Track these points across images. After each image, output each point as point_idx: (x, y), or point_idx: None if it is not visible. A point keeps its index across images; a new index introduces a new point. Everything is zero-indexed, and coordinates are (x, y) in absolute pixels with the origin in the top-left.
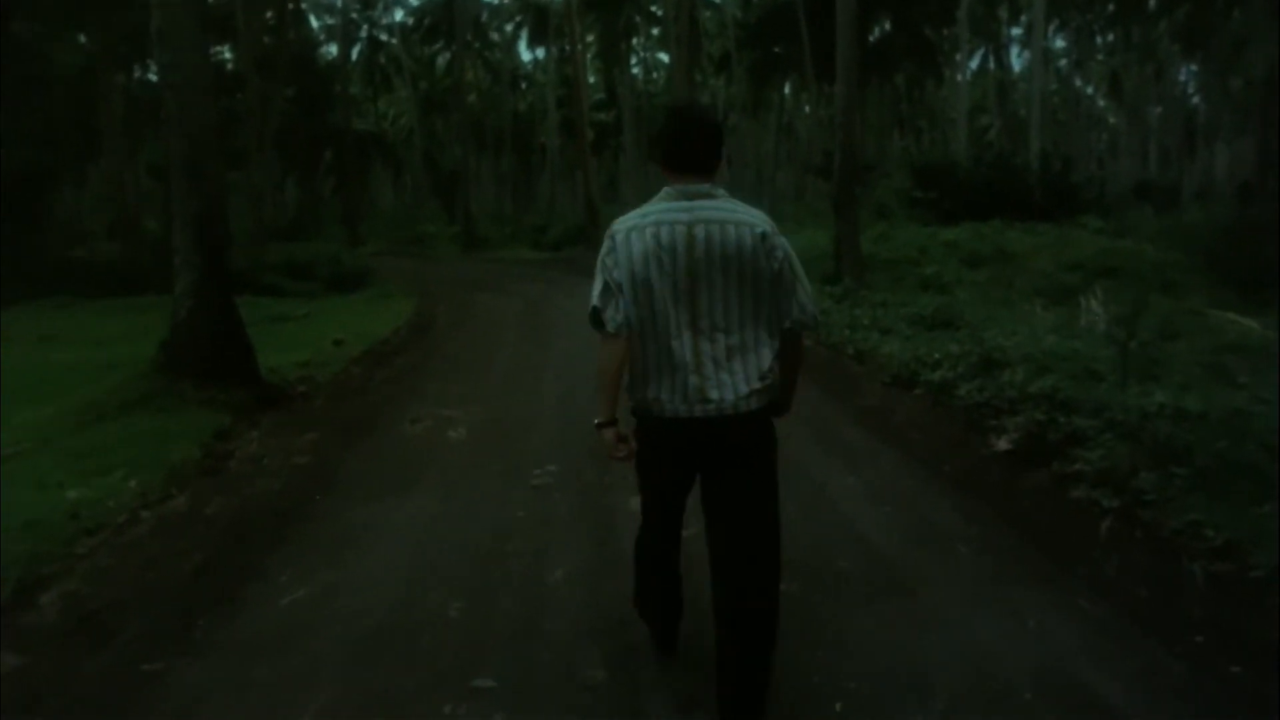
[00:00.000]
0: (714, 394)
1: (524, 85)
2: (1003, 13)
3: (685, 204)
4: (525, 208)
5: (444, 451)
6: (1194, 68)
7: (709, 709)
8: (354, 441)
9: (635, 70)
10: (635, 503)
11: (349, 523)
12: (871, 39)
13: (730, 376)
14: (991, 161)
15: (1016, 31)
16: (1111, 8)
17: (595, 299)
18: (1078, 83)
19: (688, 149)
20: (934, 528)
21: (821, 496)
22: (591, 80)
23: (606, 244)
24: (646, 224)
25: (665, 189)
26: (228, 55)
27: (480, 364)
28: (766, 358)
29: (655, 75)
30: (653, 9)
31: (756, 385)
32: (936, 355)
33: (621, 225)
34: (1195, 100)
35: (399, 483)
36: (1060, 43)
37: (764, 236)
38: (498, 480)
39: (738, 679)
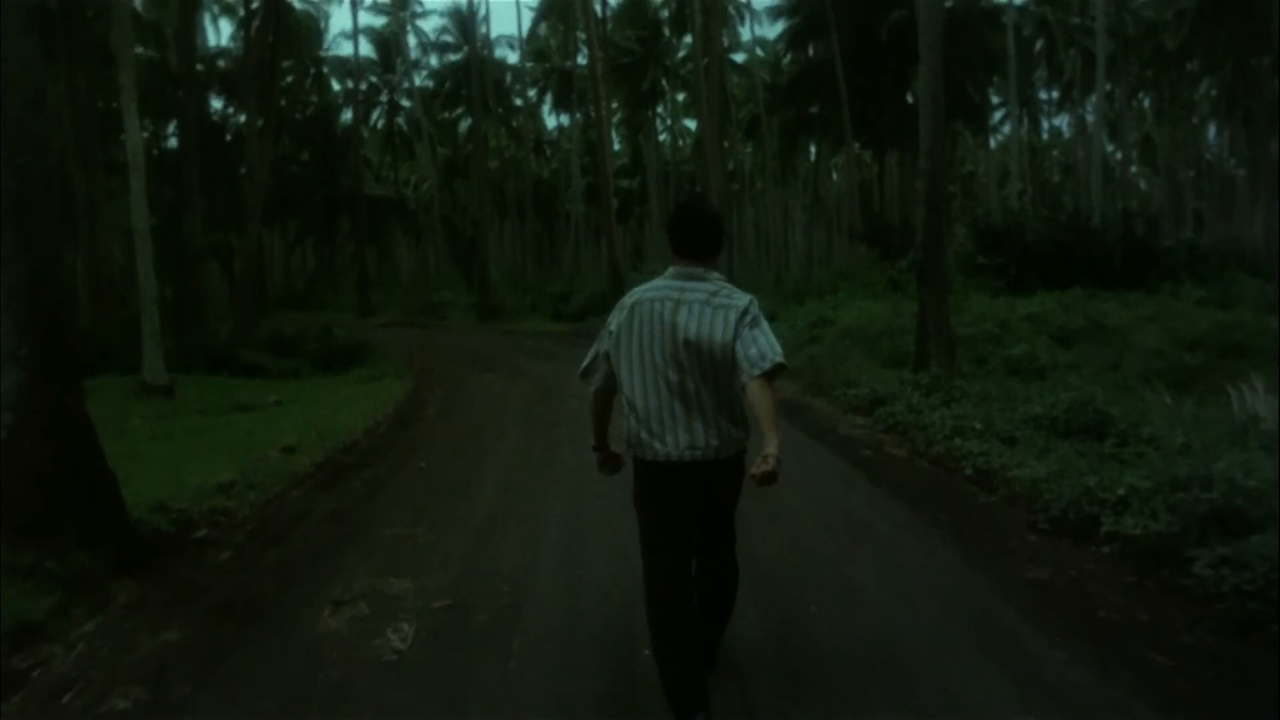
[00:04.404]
0: (698, 441)
1: (548, 151)
2: (1039, 76)
3: (680, 284)
4: (548, 275)
5: (363, 683)
6: (1227, 133)
7: None
8: (229, 651)
9: (662, 137)
10: None
11: None
12: (909, 99)
13: (706, 428)
14: (1065, 223)
15: (1049, 95)
16: (1150, 72)
17: (586, 361)
18: (1110, 147)
19: (689, 239)
20: None
21: None
22: (616, 146)
23: (615, 311)
24: (646, 298)
25: (670, 267)
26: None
27: (463, 487)
28: (738, 413)
29: (681, 143)
30: (681, 73)
31: (730, 436)
32: (1120, 491)
33: (630, 298)
34: (1231, 164)
35: None
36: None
37: (743, 313)
38: None
39: (708, 619)
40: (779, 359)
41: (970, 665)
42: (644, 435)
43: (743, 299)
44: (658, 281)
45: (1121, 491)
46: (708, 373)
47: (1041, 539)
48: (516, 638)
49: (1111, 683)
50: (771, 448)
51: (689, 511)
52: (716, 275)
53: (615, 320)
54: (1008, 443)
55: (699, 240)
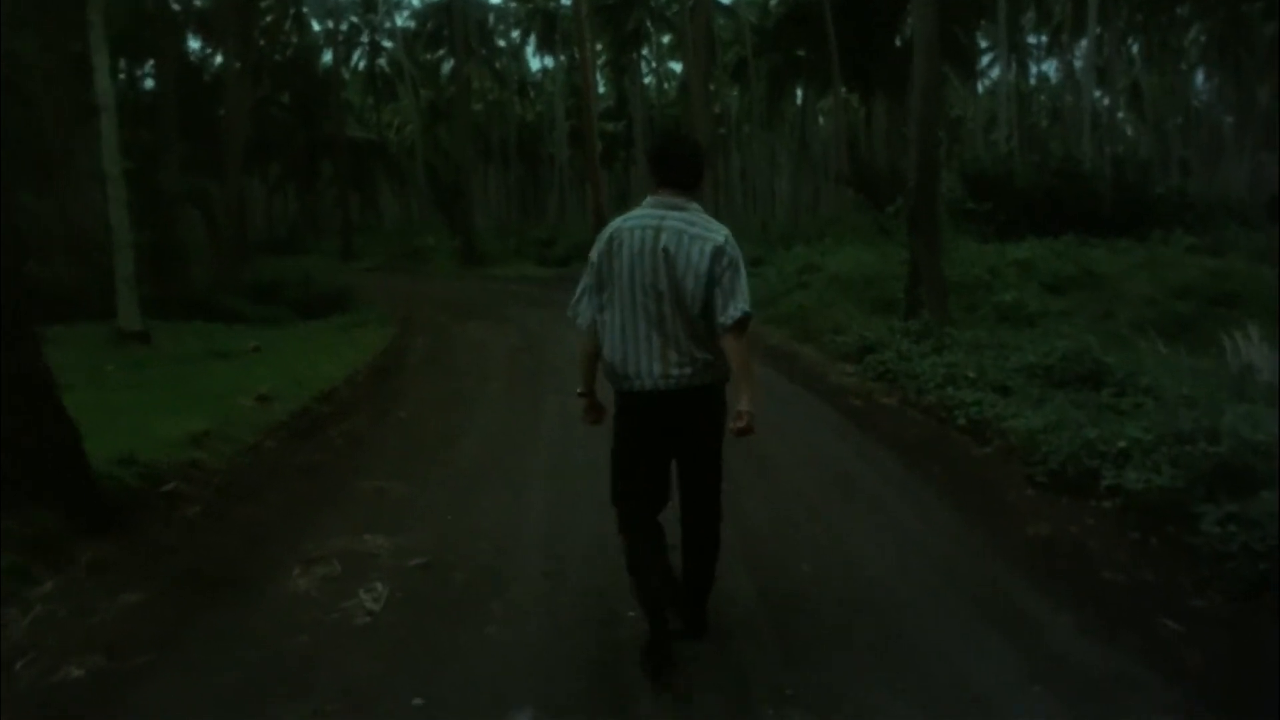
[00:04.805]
0: (672, 370)
1: (532, 94)
2: (1027, 20)
3: (660, 212)
4: (533, 220)
5: (329, 653)
6: (1216, 80)
7: None
8: (194, 615)
9: (647, 80)
10: None
11: None
12: (898, 43)
13: (680, 357)
14: (1055, 169)
15: (1037, 40)
16: (1140, 17)
17: (574, 296)
18: (1098, 93)
19: (670, 167)
20: None
21: None
22: (601, 90)
23: (598, 242)
24: (625, 226)
25: (649, 197)
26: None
27: (444, 438)
28: (711, 343)
29: (667, 86)
30: (666, 15)
31: (705, 362)
32: (1121, 443)
33: (608, 229)
34: (1219, 111)
35: None
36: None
37: (719, 250)
38: None
39: (693, 585)
40: (746, 308)
41: (972, 631)
42: (618, 365)
43: (719, 233)
44: (637, 211)
45: (1122, 444)
46: (682, 301)
47: (1040, 493)
48: (495, 600)
49: (1120, 650)
50: (744, 404)
51: (664, 447)
52: (696, 206)
53: (595, 251)
54: (1001, 392)
55: (680, 168)
